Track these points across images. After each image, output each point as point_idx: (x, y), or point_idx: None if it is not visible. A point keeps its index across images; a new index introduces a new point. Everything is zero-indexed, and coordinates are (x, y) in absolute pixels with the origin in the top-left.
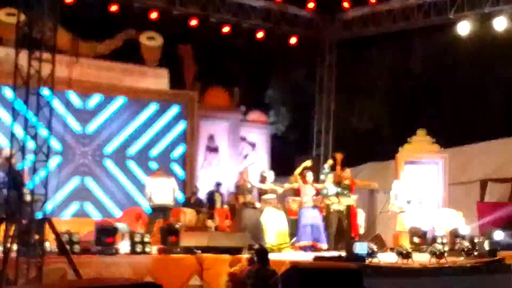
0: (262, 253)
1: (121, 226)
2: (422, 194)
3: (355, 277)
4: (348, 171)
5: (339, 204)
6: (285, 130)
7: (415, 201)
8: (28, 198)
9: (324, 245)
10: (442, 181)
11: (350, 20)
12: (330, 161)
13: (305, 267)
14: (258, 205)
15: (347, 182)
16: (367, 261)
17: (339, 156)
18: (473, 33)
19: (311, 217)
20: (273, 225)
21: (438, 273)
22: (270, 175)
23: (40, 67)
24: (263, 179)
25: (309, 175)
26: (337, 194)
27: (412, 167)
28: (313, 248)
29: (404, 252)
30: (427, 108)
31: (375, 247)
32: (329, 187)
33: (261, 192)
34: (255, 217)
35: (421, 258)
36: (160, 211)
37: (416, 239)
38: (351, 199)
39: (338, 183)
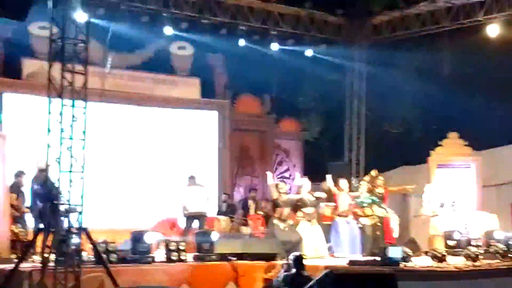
0: (298, 258)
1: (156, 234)
2: (455, 197)
3: (389, 281)
4: (381, 179)
5: (372, 218)
6: (317, 136)
7: (448, 205)
8: (64, 208)
9: (359, 256)
10: (475, 184)
11: (379, 24)
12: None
13: (340, 272)
14: (290, 222)
15: (380, 190)
16: (401, 265)
17: (374, 173)
18: (503, 35)
19: (348, 229)
20: (309, 239)
21: (473, 276)
22: (306, 184)
23: (73, 79)
24: (298, 190)
25: (344, 183)
26: (371, 203)
27: (445, 170)
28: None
29: (439, 255)
30: (458, 111)
31: (409, 251)
32: (363, 196)
33: (299, 205)
34: (286, 234)
35: (456, 261)
36: (194, 219)
37: (450, 242)
38: (384, 210)
39: (370, 191)
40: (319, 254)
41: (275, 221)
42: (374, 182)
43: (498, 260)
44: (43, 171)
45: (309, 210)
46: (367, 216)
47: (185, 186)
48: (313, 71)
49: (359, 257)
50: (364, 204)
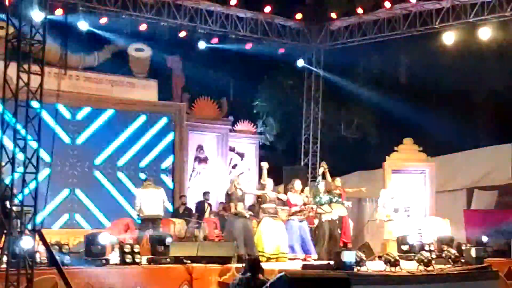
0: (253, 262)
1: (110, 236)
2: (410, 202)
3: (343, 285)
4: (338, 180)
5: (331, 214)
6: (273, 140)
7: (403, 209)
8: (17, 209)
9: (314, 255)
10: (429, 189)
11: (337, 30)
12: (322, 168)
13: (294, 276)
14: (247, 214)
15: (337, 191)
16: (355, 269)
17: (325, 166)
18: (458, 42)
19: (299, 230)
20: (271, 235)
21: (426, 281)
22: (270, 183)
23: (29, 79)
24: (262, 187)
25: (297, 184)
26: (330, 202)
27: (399, 176)
28: (304, 261)
29: (392, 260)
30: (414, 117)
31: (363, 256)
32: (321, 195)
33: (260, 201)
34: (245, 226)
35: (409, 266)
36: (149, 221)
37: (404, 247)
38: (343, 209)
39: (328, 191)
40: (280, 250)
41: (233, 219)
42: (331, 183)
43: (450, 265)
44: None
45: (269, 205)
46: (325, 212)
47: (141, 188)
48: (271, 74)
49: (315, 256)
50: (323, 202)
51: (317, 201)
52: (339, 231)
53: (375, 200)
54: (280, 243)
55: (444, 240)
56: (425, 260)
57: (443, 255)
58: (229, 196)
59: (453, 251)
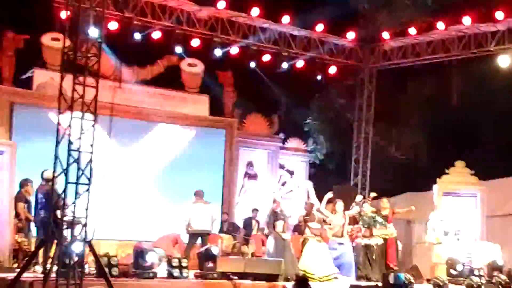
0: (302, 282)
1: (158, 250)
2: (460, 226)
3: None
4: (385, 201)
5: (369, 238)
6: (323, 158)
7: (452, 233)
8: (68, 220)
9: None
10: (480, 214)
11: (390, 50)
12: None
13: None
14: (284, 235)
15: (385, 212)
16: None
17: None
18: None
19: (341, 252)
20: (316, 258)
21: None
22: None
23: (84, 91)
24: (309, 206)
25: (339, 205)
26: (373, 224)
27: (450, 199)
28: None
29: (441, 283)
30: (466, 140)
31: (411, 278)
32: (366, 217)
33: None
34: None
35: None
36: (198, 236)
37: (453, 271)
38: (388, 230)
39: (376, 212)
40: (328, 272)
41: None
42: (378, 204)
43: None
44: (49, 181)
45: (315, 225)
46: (366, 237)
47: (191, 203)
48: (323, 93)
49: (352, 279)
50: (365, 225)
51: (361, 223)
52: (380, 254)
53: (424, 223)
54: (327, 265)
55: (494, 266)
56: (475, 285)
57: (493, 280)
58: (275, 215)
59: (503, 277)
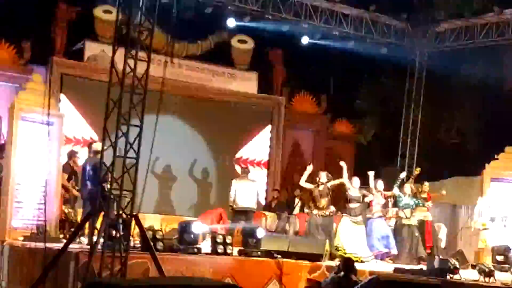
0: (348, 262)
1: (203, 226)
2: (507, 212)
3: None
4: (426, 185)
5: (410, 220)
6: (371, 140)
7: (500, 219)
8: (115, 193)
9: (395, 251)
10: None
11: (443, 32)
12: (416, 171)
13: (386, 279)
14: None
15: (424, 195)
16: (448, 277)
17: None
18: None
19: (380, 228)
20: (349, 237)
21: None
22: (355, 182)
23: (136, 65)
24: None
25: (380, 184)
26: (415, 206)
27: (498, 184)
28: (386, 254)
29: (487, 270)
30: None
31: (456, 263)
32: (404, 197)
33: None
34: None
35: (503, 278)
36: (242, 213)
37: (499, 258)
38: (427, 213)
39: (414, 195)
40: (357, 255)
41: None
42: (420, 186)
43: None
44: (97, 154)
45: (354, 205)
46: (406, 217)
47: (237, 180)
48: (373, 74)
49: (395, 251)
50: (406, 206)
51: (401, 205)
52: (419, 236)
53: (471, 208)
54: (358, 247)
55: None
56: None
57: None
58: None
59: None
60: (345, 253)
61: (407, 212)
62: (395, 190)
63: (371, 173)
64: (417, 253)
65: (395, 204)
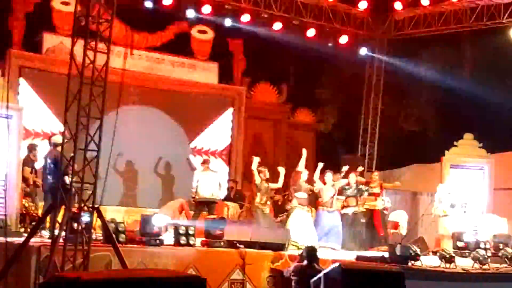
0: (311, 251)
1: (165, 217)
2: (467, 199)
3: (397, 280)
4: (376, 174)
5: (358, 207)
6: (332, 129)
7: (459, 205)
8: (77, 186)
9: (338, 247)
10: (488, 186)
11: (402, 20)
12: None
13: (349, 267)
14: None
15: (374, 185)
16: (409, 264)
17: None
18: None
19: (330, 220)
20: (299, 227)
21: (481, 279)
22: (305, 172)
23: (95, 57)
24: (297, 175)
25: (328, 176)
26: (359, 194)
27: (458, 171)
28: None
29: (447, 256)
30: (475, 112)
31: (418, 250)
32: (352, 188)
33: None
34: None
35: (464, 263)
36: (205, 204)
37: (459, 244)
38: (375, 202)
39: (366, 183)
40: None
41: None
42: (369, 176)
43: (506, 265)
44: (57, 147)
45: (301, 195)
46: (350, 206)
47: (199, 171)
48: (333, 62)
49: (338, 247)
50: (350, 195)
51: (348, 193)
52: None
53: (431, 194)
54: (308, 235)
55: (501, 239)
56: (481, 258)
57: (499, 254)
58: (256, 186)
59: (510, 250)
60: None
61: (351, 201)
62: (342, 182)
63: (320, 165)
64: (362, 240)
65: (340, 194)
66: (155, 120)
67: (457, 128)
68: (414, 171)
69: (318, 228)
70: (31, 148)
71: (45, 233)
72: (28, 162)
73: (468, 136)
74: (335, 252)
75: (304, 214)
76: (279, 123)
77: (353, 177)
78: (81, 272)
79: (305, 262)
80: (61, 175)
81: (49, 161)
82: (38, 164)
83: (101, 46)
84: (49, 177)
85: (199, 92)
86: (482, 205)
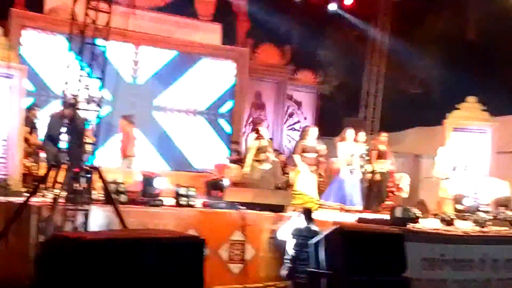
0: (307, 212)
1: (166, 178)
2: (468, 162)
3: (397, 241)
4: (385, 135)
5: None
6: (334, 91)
7: (461, 168)
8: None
9: (359, 207)
10: (490, 150)
11: None
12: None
13: (349, 229)
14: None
15: (382, 147)
16: (409, 226)
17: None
18: None
19: (350, 181)
20: (303, 186)
21: (481, 241)
22: (313, 131)
23: (97, 16)
24: (304, 136)
25: (350, 133)
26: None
27: (460, 134)
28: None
29: (447, 218)
30: (479, 75)
31: (418, 212)
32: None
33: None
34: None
35: (464, 226)
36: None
37: (459, 206)
38: (384, 165)
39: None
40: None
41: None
42: (377, 138)
43: (506, 228)
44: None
45: (310, 155)
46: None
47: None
48: (336, 24)
49: (359, 207)
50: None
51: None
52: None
53: (433, 157)
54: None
55: (501, 202)
56: (481, 221)
57: (499, 217)
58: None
59: (510, 213)
60: (305, 199)
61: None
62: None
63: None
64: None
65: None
66: (159, 79)
67: (461, 91)
68: (417, 133)
69: (339, 190)
70: (31, 108)
71: (47, 193)
72: (28, 122)
73: (471, 99)
74: (336, 213)
75: (309, 174)
76: (281, 83)
77: (362, 136)
78: (81, 232)
79: (302, 224)
80: (80, 133)
81: (66, 121)
82: (39, 123)
83: (103, 5)
84: (51, 137)
85: (202, 53)
86: (484, 168)
